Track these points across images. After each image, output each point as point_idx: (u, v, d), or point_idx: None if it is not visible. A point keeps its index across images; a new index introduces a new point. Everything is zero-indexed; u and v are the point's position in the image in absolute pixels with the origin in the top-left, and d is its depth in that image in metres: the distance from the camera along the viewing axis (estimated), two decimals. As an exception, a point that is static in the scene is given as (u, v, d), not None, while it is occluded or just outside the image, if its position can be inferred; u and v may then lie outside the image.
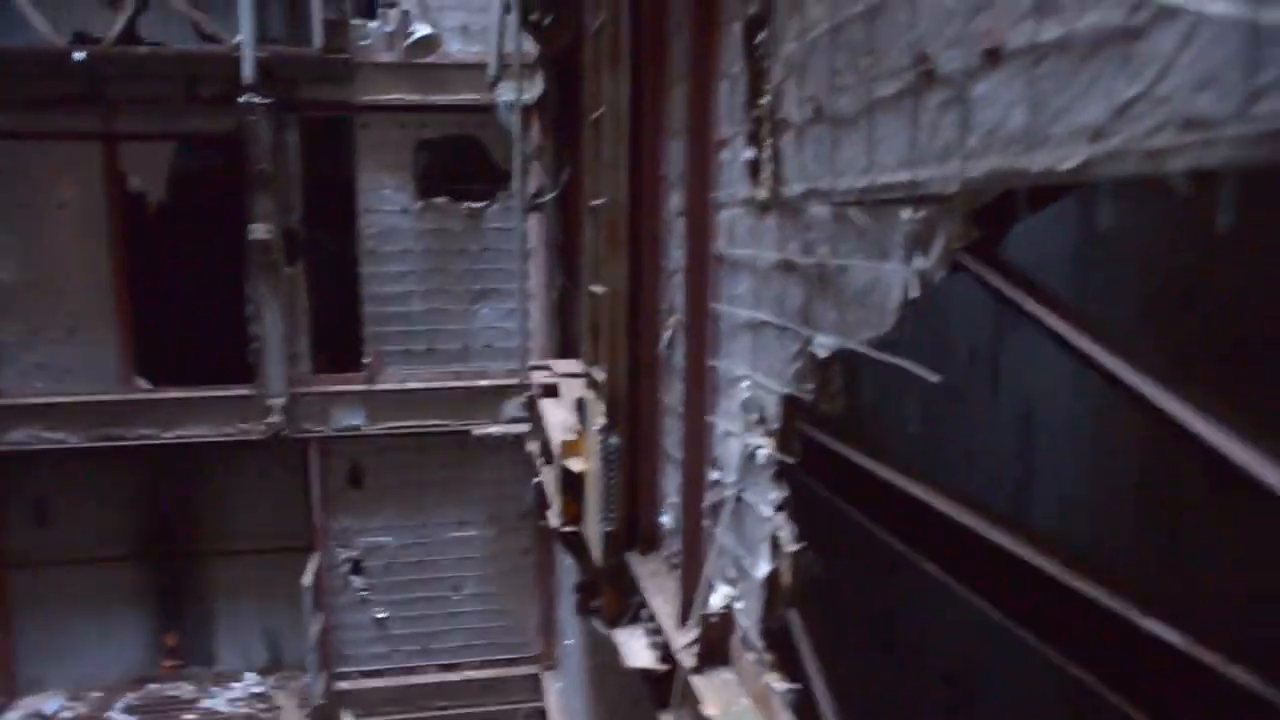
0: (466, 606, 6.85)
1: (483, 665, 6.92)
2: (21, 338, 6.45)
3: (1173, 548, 2.27)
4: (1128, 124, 0.93)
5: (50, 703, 6.57)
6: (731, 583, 2.34)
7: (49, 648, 6.87)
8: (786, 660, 2.09)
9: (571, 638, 6.05)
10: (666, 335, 2.96)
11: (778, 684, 2.07)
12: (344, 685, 6.77)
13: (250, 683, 6.77)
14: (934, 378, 1.51)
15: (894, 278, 1.50)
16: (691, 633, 2.41)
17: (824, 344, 1.85)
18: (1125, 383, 1.12)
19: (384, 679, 6.83)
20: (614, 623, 2.97)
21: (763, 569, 2.07)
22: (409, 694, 6.84)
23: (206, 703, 6.56)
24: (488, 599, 6.86)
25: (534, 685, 6.96)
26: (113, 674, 6.89)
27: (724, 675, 2.33)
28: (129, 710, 6.48)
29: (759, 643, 2.15)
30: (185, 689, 6.77)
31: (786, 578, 2.01)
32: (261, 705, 6.54)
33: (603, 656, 4.59)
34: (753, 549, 2.16)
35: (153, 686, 6.77)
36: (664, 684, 2.64)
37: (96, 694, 6.71)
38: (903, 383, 3.22)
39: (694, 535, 2.53)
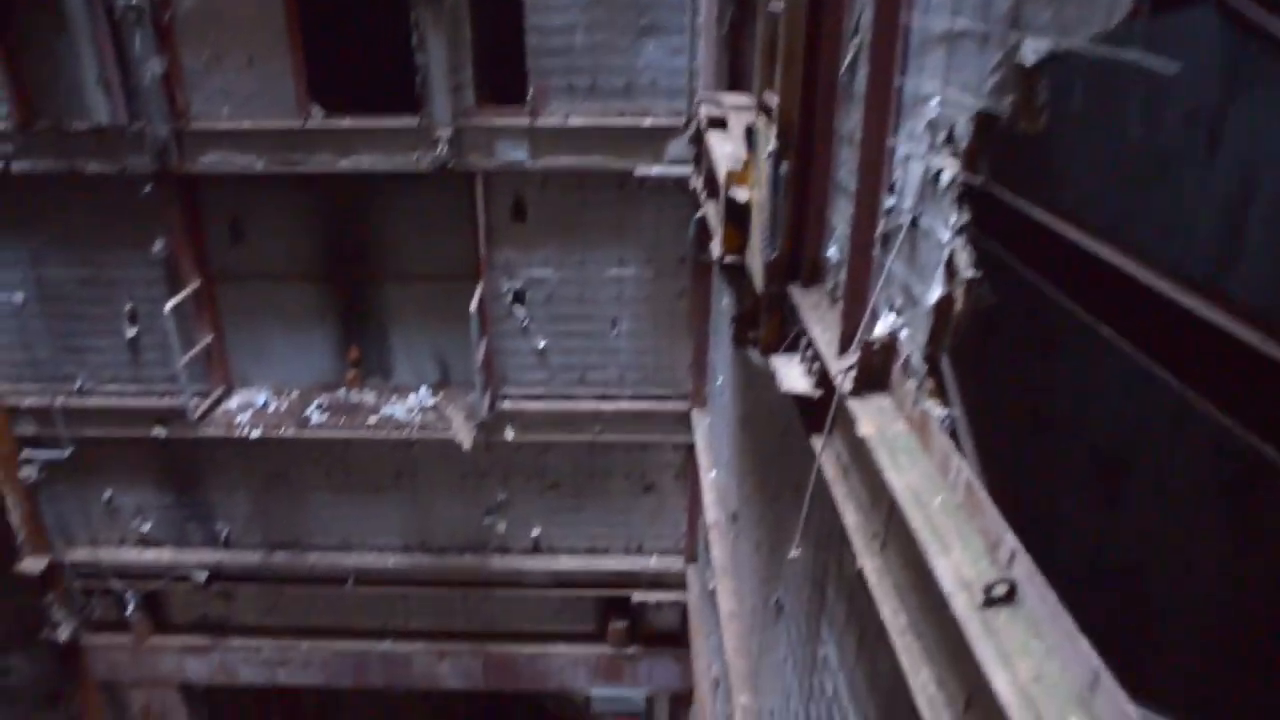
0: (622, 343, 7.15)
1: (635, 398, 7.30)
2: (207, 64, 6.71)
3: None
4: None
5: (259, 396, 7.45)
6: (897, 311, 2.30)
7: (253, 352, 7.69)
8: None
9: (721, 377, 6.25)
10: (848, 57, 2.76)
11: (936, 409, 2.07)
12: (506, 405, 7.33)
13: (423, 396, 7.42)
14: (1171, 68, 1.34)
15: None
16: (851, 359, 2.41)
17: (1035, 48, 1.67)
18: None
19: (542, 402, 7.34)
20: (771, 351, 3.01)
21: (934, 294, 2.01)
22: (565, 418, 7.35)
23: (386, 411, 7.27)
24: (642, 336, 7.11)
25: (683, 421, 7.32)
26: (306, 379, 7.70)
27: (880, 401, 2.35)
28: (321, 409, 7.29)
29: (921, 369, 2.13)
30: (367, 398, 7.50)
31: (959, 304, 1.95)
32: (433, 416, 7.20)
33: (754, 390, 4.74)
34: (925, 275, 2.09)
35: (340, 393, 7.54)
36: (818, 410, 2.69)
37: (295, 394, 7.54)
38: (1100, 136, 2.92)
39: (862, 264, 2.47)
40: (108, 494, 8.03)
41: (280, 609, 8.62)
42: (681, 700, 8.76)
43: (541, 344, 7.18)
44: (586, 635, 8.59)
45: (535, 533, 7.97)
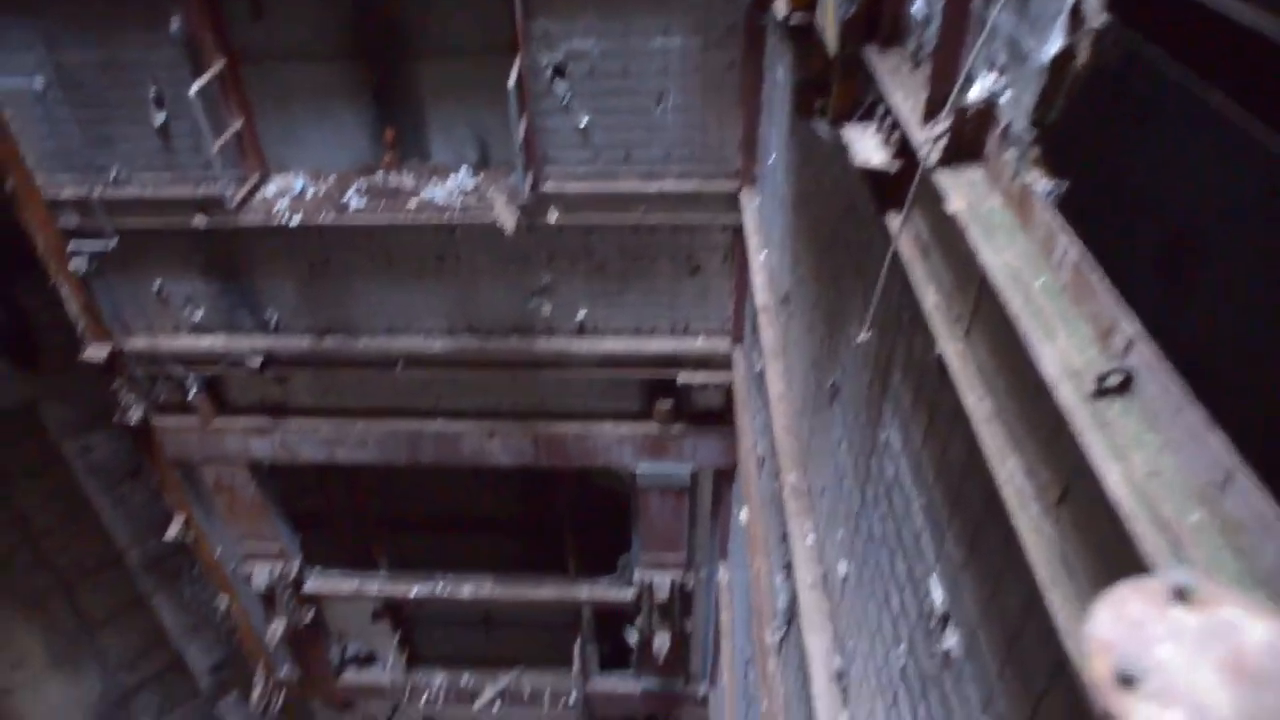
0: (669, 119, 6.76)
1: (682, 178, 7.02)
2: None
3: None
4: None
5: (296, 182, 7.29)
6: (999, 70, 2.04)
7: (286, 136, 7.45)
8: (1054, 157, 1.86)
9: (774, 155, 5.94)
10: None
11: (1041, 181, 1.87)
12: (549, 186, 7.09)
13: (463, 178, 7.20)
14: None
15: None
16: (940, 126, 2.17)
17: None
18: None
19: (586, 183, 7.08)
20: (843, 121, 2.76)
21: (1052, 48, 1.75)
22: (609, 199, 7.12)
23: (426, 194, 7.09)
24: (690, 112, 6.72)
25: (732, 201, 7.06)
26: (342, 162, 7.49)
27: (972, 174, 2.14)
28: (360, 193, 7.12)
29: (1025, 136, 1.91)
30: (406, 181, 7.30)
31: (1081, 57, 1.70)
32: (474, 198, 7.01)
33: (812, 167, 4.48)
34: (1039, 26, 1.82)
35: (377, 176, 7.34)
36: (894, 185, 2.49)
37: (332, 178, 7.36)
38: None
39: (957, 17, 2.17)
40: (157, 284, 8.10)
41: (334, 392, 8.88)
42: (725, 475, 9.07)
43: (584, 121, 6.83)
44: (633, 414, 8.79)
45: (581, 315, 7.96)
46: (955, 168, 2.14)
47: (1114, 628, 0.84)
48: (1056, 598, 1.63)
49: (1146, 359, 1.47)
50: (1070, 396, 1.54)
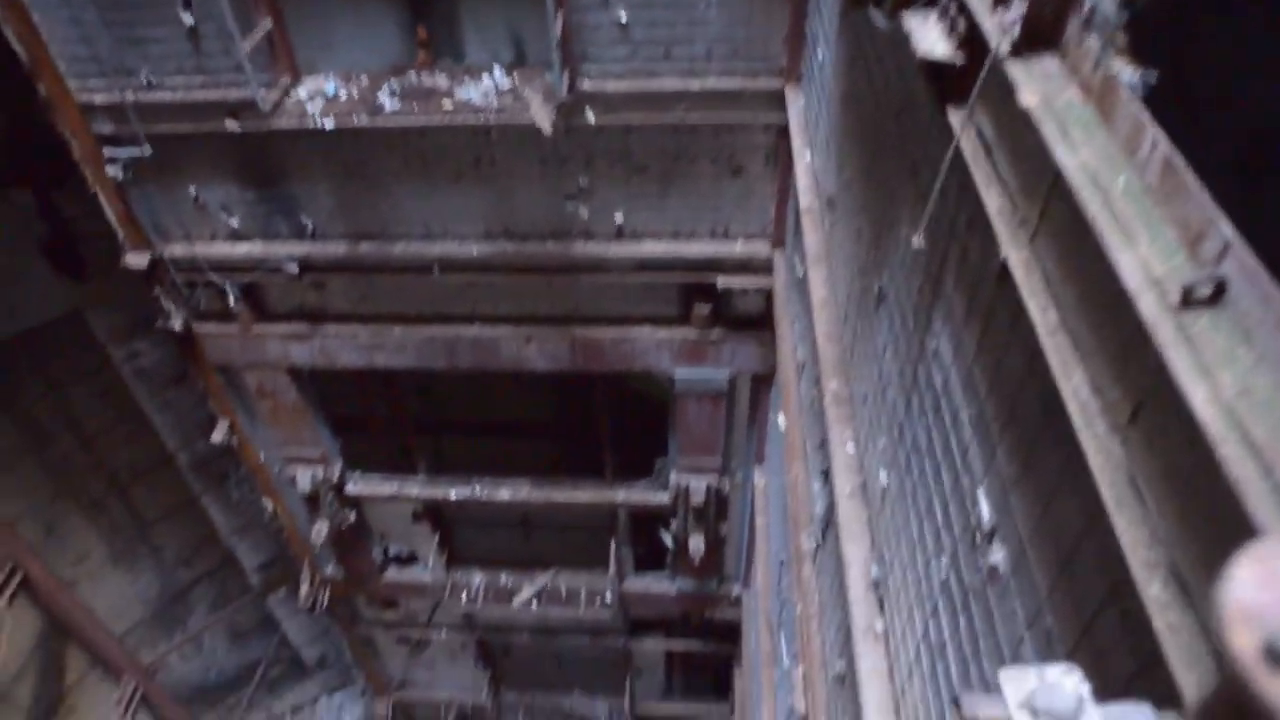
0: (711, 13, 6.44)
1: (724, 75, 6.74)
2: None
3: None
4: None
5: (328, 85, 7.12)
6: (1084, -53, 1.85)
7: (317, 37, 7.25)
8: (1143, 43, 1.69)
9: (822, 51, 5.66)
10: None
11: (1127, 71, 1.70)
12: (586, 85, 6.85)
13: (498, 78, 6.97)
14: None
15: None
16: (1013, 11, 2.00)
17: None
18: None
19: (624, 81, 6.83)
20: (902, 8, 2.57)
21: (1147, -82, 1.57)
22: (649, 98, 6.87)
23: (460, 94, 6.89)
24: (733, 6, 6.38)
25: (776, 100, 6.79)
26: (374, 63, 7.29)
27: (1047, 64, 1.97)
28: (393, 95, 6.94)
29: (1112, 20, 1.74)
30: (440, 81, 7.10)
31: (1181, -71, 1.52)
32: (510, 98, 6.80)
33: (864, 62, 4.24)
34: (1133, -107, 1.64)
35: (410, 76, 7.14)
36: (958, 79, 2.32)
37: (364, 80, 7.18)
38: None
39: (1036, -114, 1.97)
40: (193, 190, 8.05)
41: (371, 298, 8.87)
42: (763, 380, 9.01)
43: (622, 16, 6.53)
44: (670, 319, 8.70)
45: (619, 218, 7.81)
46: (1028, 58, 1.97)
47: (1260, 592, 0.70)
48: (1123, 522, 1.55)
49: (1243, 267, 1.34)
50: (1152, 307, 1.43)
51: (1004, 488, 2.45)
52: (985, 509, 2.62)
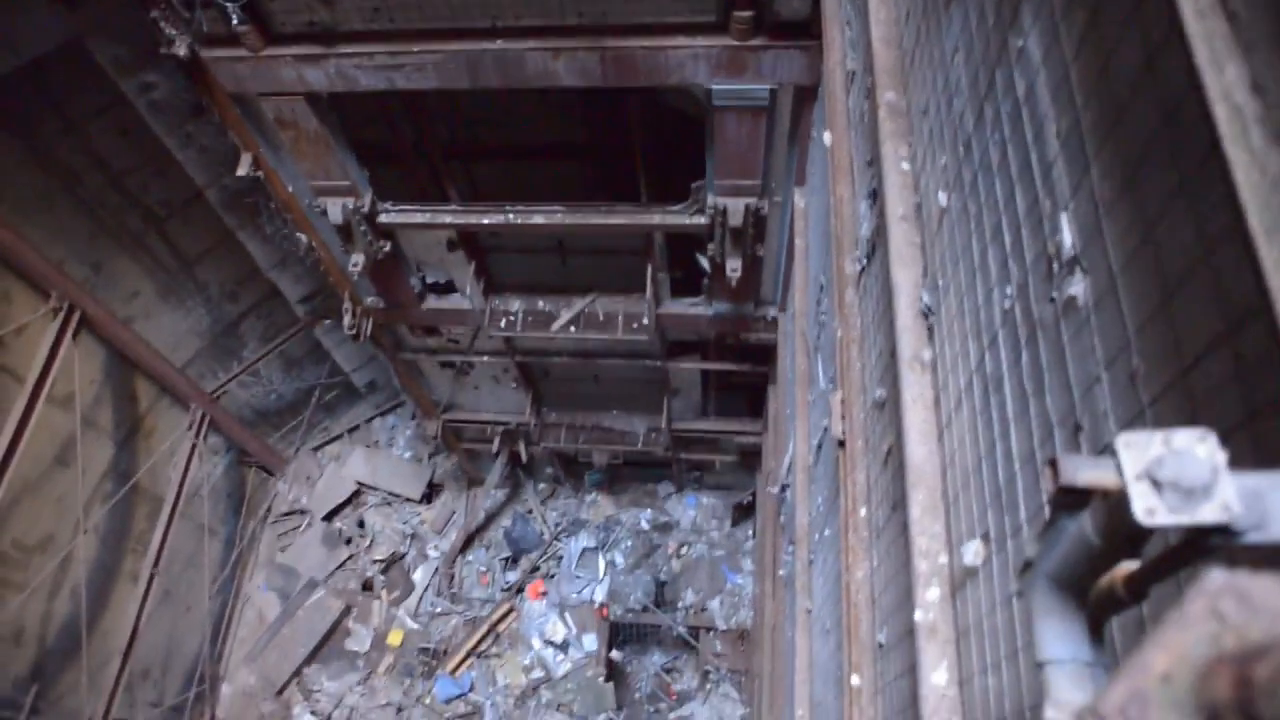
0: None
1: None
2: None
3: None
4: None
5: None
6: None
7: None
8: None
9: None
10: None
11: None
12: None
13: None
14: None
15: None
16: None
17: None
18: None
19: None
20: None
21: None
22: None
23: None
24: None
25: None
26: None
27: None
28: None
29: None
30: None
31: None
32: None
33: None
34: None
35: None
36: None
37: None
38: None
39: None
40: (171, -111, 7.20)
41: (385, 12, 8.18)
42: (806, 93, 8.39)
43: None
44: (708, 27, 7.96)
45: (647, -88, 6.91)
46: None
47: None
48: (1272, 253, 1.27)
49: None
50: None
51: (1096, 212, 2.14)
52: (1068, 235, 2.33)
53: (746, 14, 7.60)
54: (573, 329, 12.24)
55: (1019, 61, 2.64)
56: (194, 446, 14.71)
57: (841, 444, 5.66)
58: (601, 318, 12.27)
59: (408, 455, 18.95)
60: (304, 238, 10.87)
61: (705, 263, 10.65)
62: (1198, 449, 1.08)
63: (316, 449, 18.75)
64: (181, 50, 8.36)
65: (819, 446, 7.35)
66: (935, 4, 3.78)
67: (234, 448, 16.79)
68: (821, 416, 7.09)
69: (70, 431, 12.49)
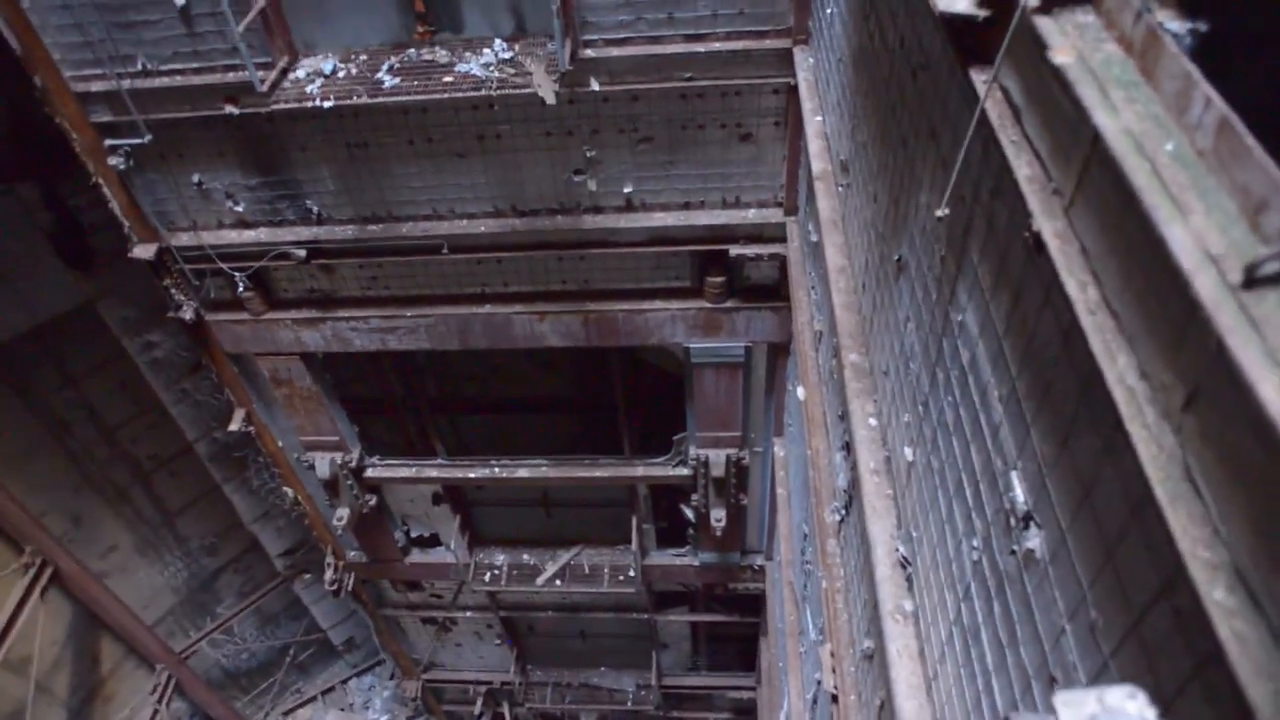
0: (712, -28, 6.25)
1: (730, 37, 6.53)
2: None
3: None
4: None
5: (326, 64, 6.96)
6: (1118, -116, 1.68)
7: (313, 15, 7.08)
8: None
9: (831, 7, 5.45)
10: None
11: (1173, 23, 1.54)
12: (589, 53, 6.67)
13: (499, 49, 6.79)
14: None
15: None
16: (1042, -40, 1.83)
17: None
18: None
19: (628, 47, 6.64)
20: (917, -38, 2.40)
21: None
22: (654, 63, 6.68)
23: (460, 67, 6.72)
24: (735, -36, 6.19)
25: (784, 60, 6.58)
26: (371, 39, 7.12)
27: (1081, 17, 1.81)
28: (392, 71, 6.78)
29: (1155, -37, 1.57)
30: (439, 55, 6.93)
31: None
32: (512, 70, 6.63)
33: (876, 16, 4.05)
34: None
35: (410, 52, 6.97)
36: (981, 35, 2.16)
37: (363, 57, 7.02)
38: None
39: None
40: (196, 178, 7.95)
41: (381, 280, 8.77)
42: (780, 349, 8.87)
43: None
44: (684, 291, 8.56)
45: (627, 190, 7.65)
46: (1060, 11, 1.81)
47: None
48: (1178, 519, 1.41)
49: (1317, 241, 1.20)
50: (1210, 287, 1.28)
51: (1040, 471, 2.31)
52: (1019, 492, 2.49)
53: (719, 279, 8.21)
54: (558, 582, 12.08)
55: (960, 333, 2.92)
56: (155, 713, 13.92)
57: (835, 699, 5.51)
58: (587, 570, 12.14)
59: (384, 719, 17.92)
60: (290, 491, 10.94)
61: (690, 513, 10.73)
62: (1128, 705, 1.17)
63: (287, 714, 17.74)
64: (188, 315, 8.84)
65: (814, 701, 7.10)
66: (887, 277, 4.17)
67: (198, 713, 15.86)
68: (814, 669, 6.91)
69: (22, 698, 11.86)
